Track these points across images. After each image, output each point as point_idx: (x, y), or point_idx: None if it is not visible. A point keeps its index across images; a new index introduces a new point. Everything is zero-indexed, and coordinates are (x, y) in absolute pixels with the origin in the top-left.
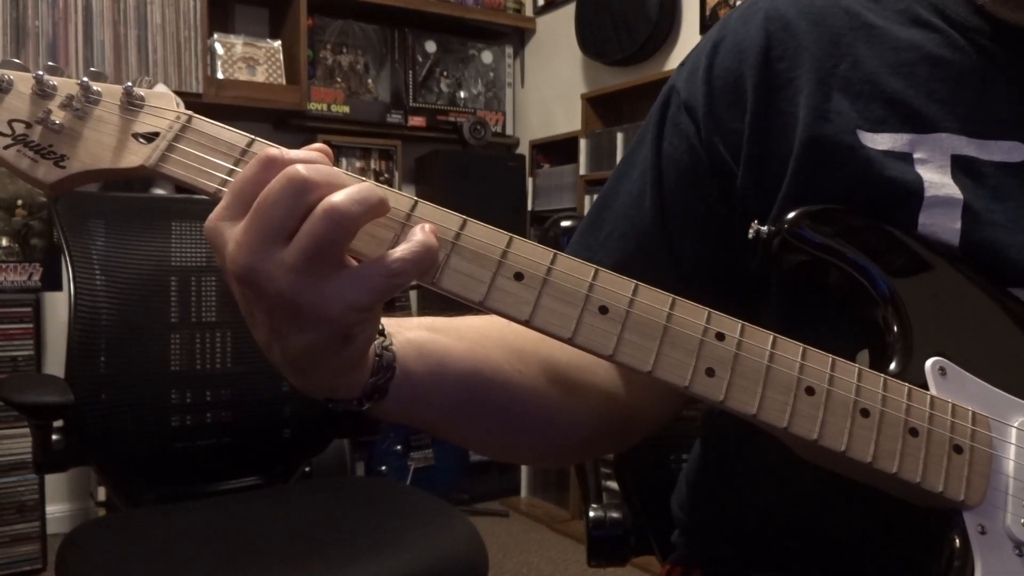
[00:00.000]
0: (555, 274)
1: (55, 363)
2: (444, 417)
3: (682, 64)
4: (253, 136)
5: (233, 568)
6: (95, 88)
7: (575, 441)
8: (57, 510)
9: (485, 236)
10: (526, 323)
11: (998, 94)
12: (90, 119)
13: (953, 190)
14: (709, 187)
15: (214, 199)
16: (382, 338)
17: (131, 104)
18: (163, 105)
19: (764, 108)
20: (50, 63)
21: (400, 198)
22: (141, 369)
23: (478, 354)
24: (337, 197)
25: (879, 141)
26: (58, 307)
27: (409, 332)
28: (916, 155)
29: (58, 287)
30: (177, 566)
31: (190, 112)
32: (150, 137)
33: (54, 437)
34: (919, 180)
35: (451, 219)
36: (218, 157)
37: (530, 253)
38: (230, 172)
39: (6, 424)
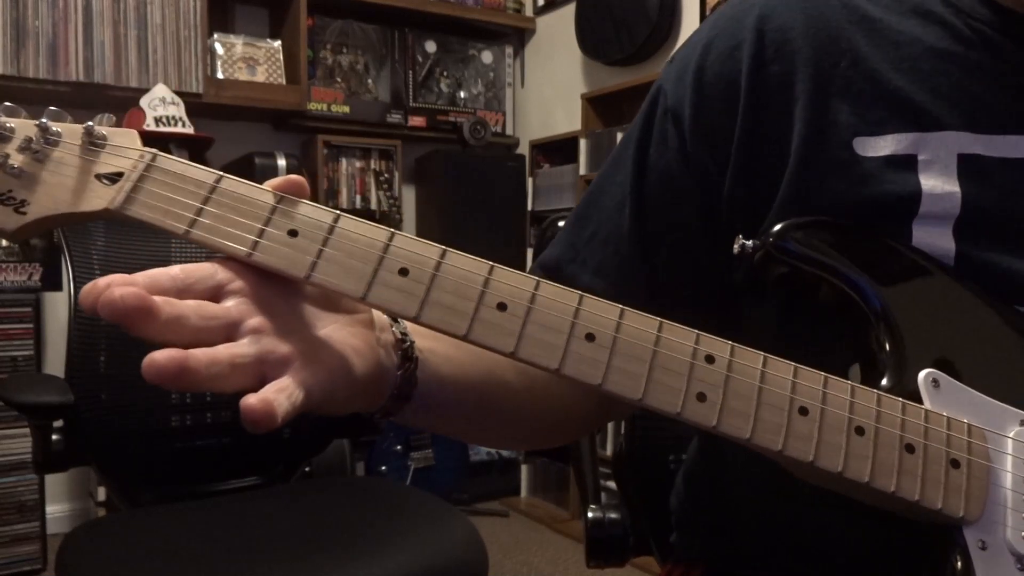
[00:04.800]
0: (539, 301)
1: (55, 363)
2: (453, 425)
3: (671, 61)
4: (221, 172)
5: (233, 568)
6: (54, 129)
7: (572, 420)
8: (57, 510)
9: (466, 266)
10: (511, 355)
11: (1005, 87)
12: (50, 161)
13: (954, 198)
14: (688, 202)
15: (184, 240)
16: (408, 363)
17: (92, 144)
18: (126, 144)
19: (757, 114)
20: (7, 103)
21: (376, 230)
22: (141, 369)
23: (482, 365)
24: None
25: (881, 146)
26: (58, 307)
27: (433, 358)
28: (921, 156)
29: (58, 287)
30: (177, 566)
31: (154, 150)
32: (114, 178)
33: (54, 437)
34: (916, 192)
35: (430, 250)
36: (186, 196)
37: (512, 281)
38: (199, 211)
39: (6, 424)
